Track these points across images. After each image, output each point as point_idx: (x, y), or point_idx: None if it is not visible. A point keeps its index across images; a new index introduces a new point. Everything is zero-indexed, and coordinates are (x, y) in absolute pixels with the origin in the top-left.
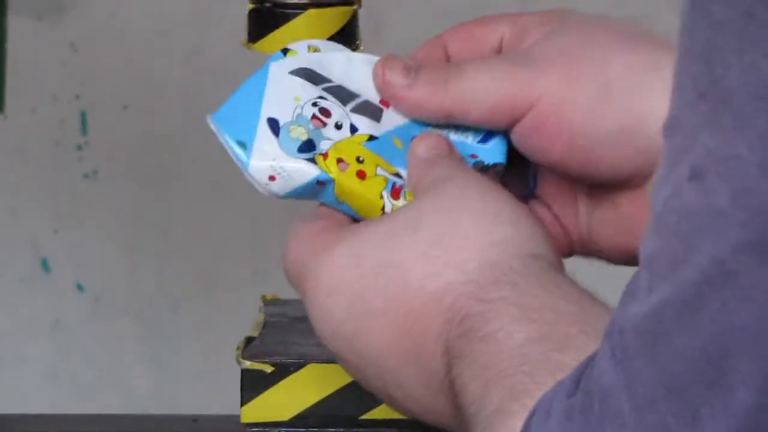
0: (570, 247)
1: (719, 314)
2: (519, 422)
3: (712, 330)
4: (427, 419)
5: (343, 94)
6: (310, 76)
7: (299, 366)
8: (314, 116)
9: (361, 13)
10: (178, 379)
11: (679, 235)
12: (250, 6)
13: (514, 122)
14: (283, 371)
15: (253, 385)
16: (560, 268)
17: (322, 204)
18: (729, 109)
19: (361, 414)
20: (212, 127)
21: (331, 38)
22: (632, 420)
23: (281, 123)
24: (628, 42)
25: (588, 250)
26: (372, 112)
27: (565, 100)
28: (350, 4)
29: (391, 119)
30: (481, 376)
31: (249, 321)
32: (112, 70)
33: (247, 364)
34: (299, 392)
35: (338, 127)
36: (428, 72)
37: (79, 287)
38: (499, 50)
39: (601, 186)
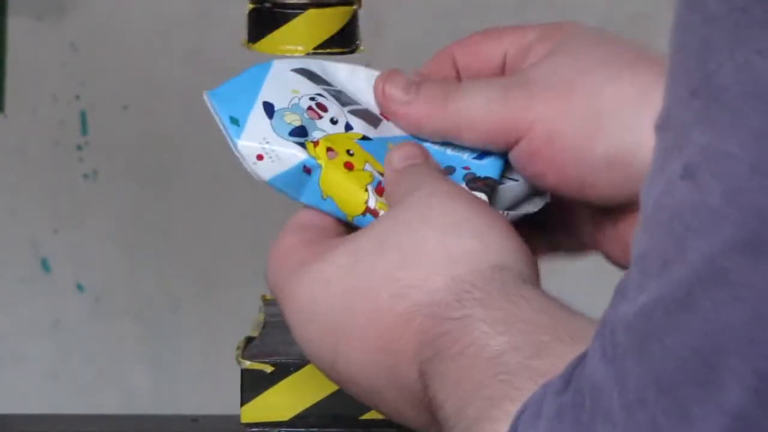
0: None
1: (711, 313)
2: (502, 426)
3: (704, 329)
4: (419, 430)
5: (342, 98)
6: (312, 76)
7: (299, 366)
8: (310, 108)
9: (361, 13)
10: (178, 379)
11: (670, 233)
12: (250, 6)
13: (509, 146)
14: (283, 371)
15: (253, 385)
16: (529, 277)
17: (305, 207)
18: (722, 107)
19: (361, 414)
20: (208, 102)
21: (331, 38)
22: (622, 418)
23: (276, 108)
24: (622, 70)
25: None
26: (370, 119)
27: (557, 128)
28: (350, 4)
29: (389, 130)
30: (456, 392)
31: (249, 321)
32: (112, 70)
33: (247, 364)
34: (299, 392)
35: (333, 122)
36: (428, 89)
37: (79, 287)
38: (503, 66)
39: (595, 210)
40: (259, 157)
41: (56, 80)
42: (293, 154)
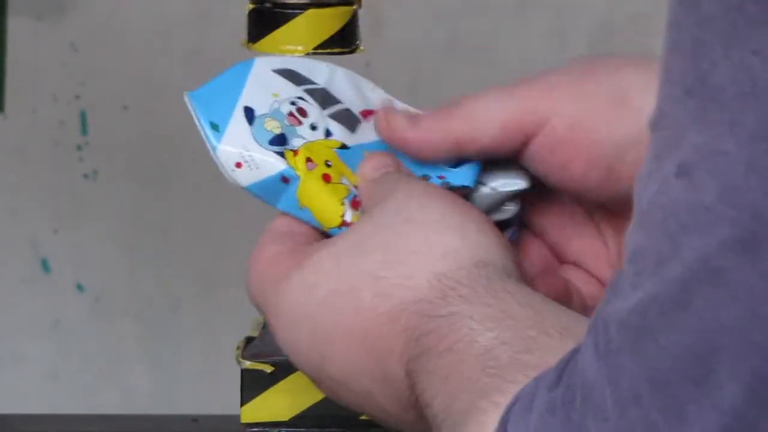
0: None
1: (706, 311)
2: (492, 417)
3: (699, 327)
4: (406, 430)
5: (324, 98)
6: (293, 76)
7: None
8: (291, 114)
9: (361, 13)
10: (178, 379)
11: (665, 231)
12: (250, 6)
13: (527, 141)
14: (283, 371)
15: (253, 385)
16: (512, 271)
17: (282, 215)
18: (717, 106)
19: (361, 414)
20: (188, 104)
21: (331, 38)
22: (615, 415)
23: (257, 113)
24: (633, 59)
25: None
26: (350, 121)
27: (580, 111)
28: (350, 4)
29: (365, 134)
30: (444, 389)
31: (249, 321)
32: (112, 70)
33: (247, 364)
34: (299, 392)
35: (313, 128)
36: (431, 112)
37: (79, 287)
38: None
39: (620, 217)
40: (238, 165)
41: (56, 80)
42: (272, 164)
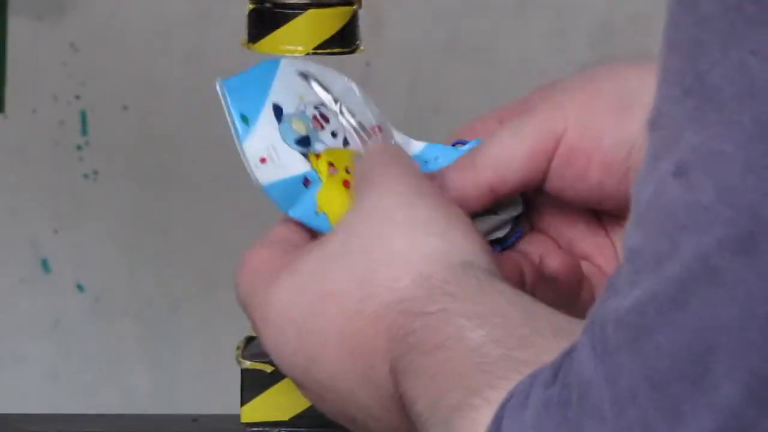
0: None
1: (704, 310)
2: (484, 414)
3: (696, 326)
4: None
5: (342, 109)
6: (315, 82)
7: None
8: (314, 117)
9: (361, 13)
10: (178, 379)
11: (663, 231)
12: (250, 6)
13: (550, 161)
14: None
15: (253, 385)
16: (498, 273)
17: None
18: (714, 106)
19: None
20: (219, 91)
21: (331, 38)
22: (612, 414)
23: (285, 111)
24: (634, 62)
25: None
26: (361, 135)
27: (589, 119)
28: (350, 4)
29: None
30: (431, 386)
31: (249, 321)
32: (112, 70)
33: (247, 364)
34: (299, 392)
35: (333, 135)
36: (452, 167)
37: (79, 287)
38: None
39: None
40: (263, 160)
41: (56, 80)
42: (297, 164)
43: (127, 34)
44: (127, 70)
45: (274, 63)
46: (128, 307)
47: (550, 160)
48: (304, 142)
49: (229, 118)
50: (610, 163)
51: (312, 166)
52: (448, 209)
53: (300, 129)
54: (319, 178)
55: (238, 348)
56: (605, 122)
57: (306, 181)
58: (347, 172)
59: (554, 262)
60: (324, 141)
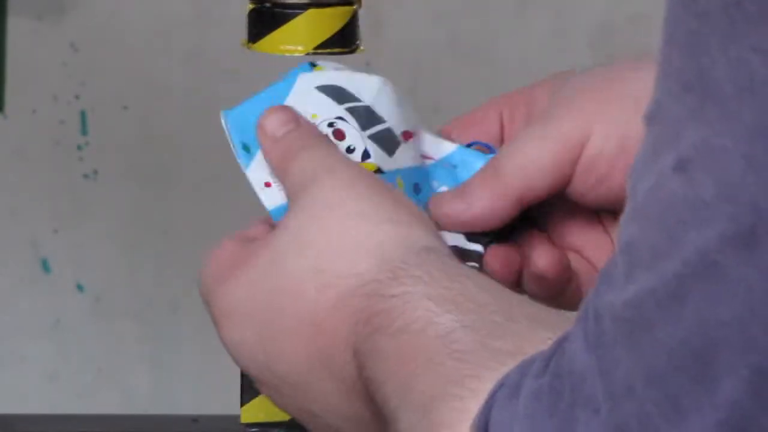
0: None
1: (703, 306)
2: (470, 404)
3: (696, 322)
4: (350, 431)
5: (368, 116)
6: (337, 93)
7: None
8: (326, 136)
9: (361, 13)
10: (178, 379)
11: (661, 225)
12: (250, 6)
13: (575, 167)
14: None
15: (253, 385)
16: (456, 259)
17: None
18: (715, 102)
19: None
20: (223, 122)
21: (331, 38)
22: (607, 406)
23: None
24: (641, 60)
25: None
26: (389, 143)
27: (616, 119)
28: (350, 4)
29: (403, 157)
30: (400, 370)
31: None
32: (112, 70)
33: None
34: None
35: (350, 150)
36: (476, 180)
37: (79, 287)
38: (501, 129)
39: None
40: (267, 185)
41: (56, 80)
42: None
43: (127, 34)
44: (127, 70)
45: (288, 82)
46: (128, 307)
47: (575, 166)
48: None
49: (232, 148)
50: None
51: None
52: (395, 199)
53: None
54: None
55: None
56: (629, 126)
57: None
58: None
59: (543, 260)
60: None
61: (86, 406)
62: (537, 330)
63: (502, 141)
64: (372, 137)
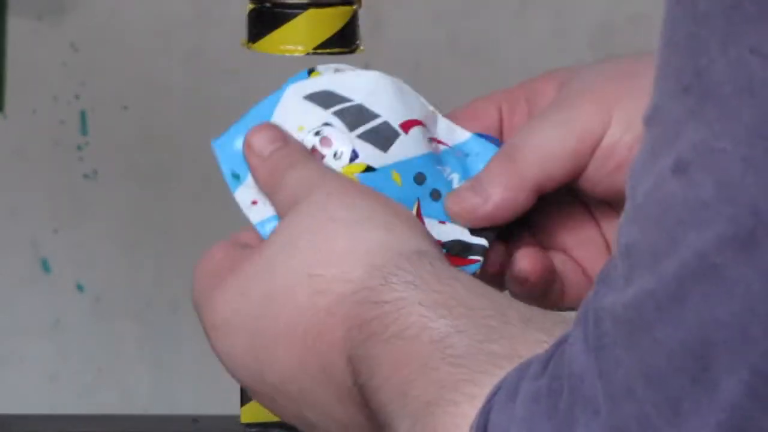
0: None
1: (703, 307)
2: (466, 409)
3: (695, 322)
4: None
5: (357, 115)
6: (325, 98)
7: None
8: (314, 148)
9: (361, 13)
10: (178, 379)
11: (660, 227)
12: (250, 6)
13: (592, 156)
14: None
15: None
16: (447, 263)
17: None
18: (714, 103)
19: None
20: (213, 150)
21: (331, 38)
22: (607, 408)
23: None
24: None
25: None
26: (383, 138)
27: (635, 110)
28: (350, 4)
29: (402, 149)
30: (394, 376)
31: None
32: (112, 70)
33: None
34: None
35: (337, 157)
36: (490, 170)
37: (79, 287)
38: (501, 123)
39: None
40: (254, 202)
41: (56, 80)
42: None
43: (127, 34)
44: (127, 70)
45: (275, 97)
46: (128, 307)
47: (593, 154)
48: None
49: (222, 174)
50: None
51: None
52: (387, 206)
53: None
54: None
55: None
56: (631, 114)
57: None
58: None
59: (525, 262)
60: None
61: (86, 406)
62: (531, 332)
63: (501, 135)
64: (362, 136)
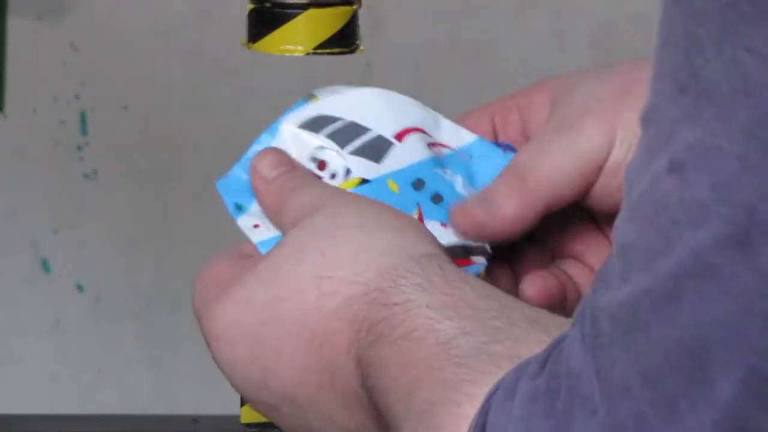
0: None
1: (699, 306)
2: (466, 409)
3: (691, 321)
4: None
5: (348, 133)
6: (316, 124)
7: None
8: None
9: (361, 13)
10: (178, 379)
11: (657, 226)
12: (250, 6)
13: (599, 174)
14: None
15: None
16: (456, 266)
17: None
18: (710, 102)
19: None
20: (219, 192)
21: (331, 38)
22: (604, 407)
23: None
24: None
25: None
26: (376, 151)
27: (632, 124)
28: (350, 4)
29: (397, 158)
30: (403, 376)
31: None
32: (112, 70)
33: None
34: None
35: (333, 176)
36: (499, 188)
37: (79, 287)
38: (494, 134)
39: None
40: (256, 226)
41: (56, 80)
42: None
43: (127, 34)
44: (127, 70)
45: (271, 132)
46: (128, 307)
47: (600, 172)
48: None
49: (227, 208)
50: None
51: None
52: (394, 212)
53: None
54: None
55: None
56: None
57: None
58: None
59: (532, 291)
60: None
61: (86, 406)
62: (533, 332)
63: None
64: (354, 152)
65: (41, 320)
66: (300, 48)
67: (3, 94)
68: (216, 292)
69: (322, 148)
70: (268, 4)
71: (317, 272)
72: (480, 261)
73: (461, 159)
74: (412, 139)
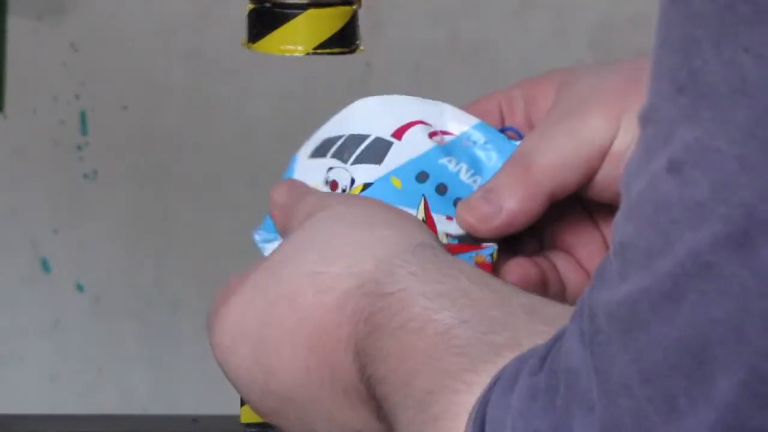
0: None
1: (698, 305)
2: (465, 398)
3: (690, 321)
4: None
5: (349, 146)
6: (323, 148)
7: None
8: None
9: (361, 13)
10: (178, 379)
11: (655, 226)
12: (250, 6)
13: (602, 162)
14: None
15: None
16: (450, 255)
17: None
18: (708, 103)
19: None
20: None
21: (331, 38)
22: (602, 404)
23: None
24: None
25: None
26: (376, 154)
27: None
28: (350, 4)
29: (397, 155)
30: (401, 367)
31: None
32: (112, 70)
33: None
34: None
35: (343, 192)
36: (503, 180)
37: (79, 287)
38: (502, 122)
39: None
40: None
41: (56, 80)
42: None
43: (127, 34)
44: (127, 70)
45: (290, 169)
46: (128, 307)
47: (603, 161)
48: None
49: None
50: None
51: None
52: (387, 207)
53: None
54: None
55: None
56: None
57: None
58: None
59: (510, 276)
60: None
61: (86, 406)
62: (534, 322)
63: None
64: (356, 161)
65: (41, 320)
66: (300, 48)
67: (3, 94)
68: (221, 299)
69: (331, 168)
70: (268, 4)
71: (314, 269)
72: (491, 244)
73: (464, 145)
74: (411, 134)
